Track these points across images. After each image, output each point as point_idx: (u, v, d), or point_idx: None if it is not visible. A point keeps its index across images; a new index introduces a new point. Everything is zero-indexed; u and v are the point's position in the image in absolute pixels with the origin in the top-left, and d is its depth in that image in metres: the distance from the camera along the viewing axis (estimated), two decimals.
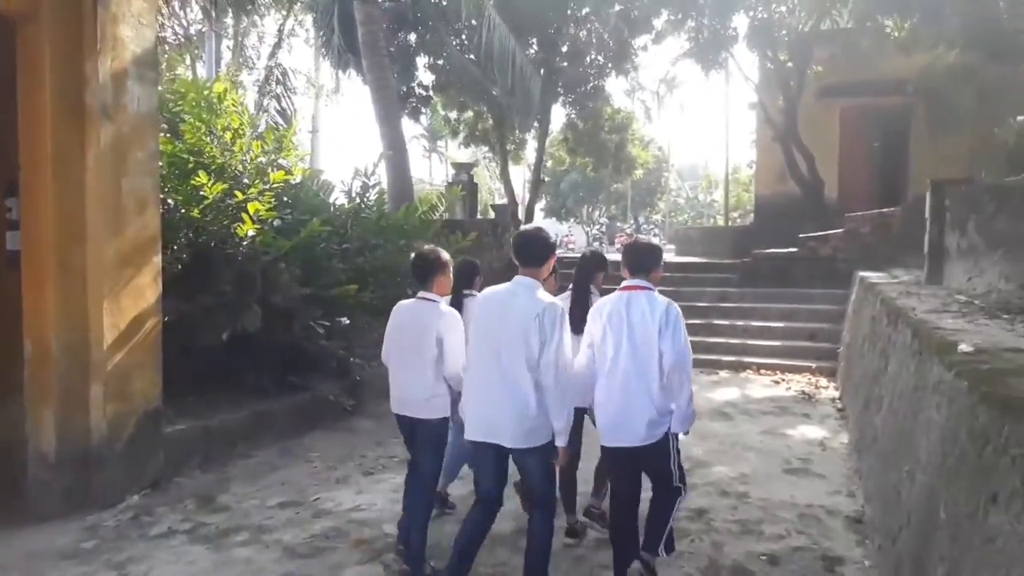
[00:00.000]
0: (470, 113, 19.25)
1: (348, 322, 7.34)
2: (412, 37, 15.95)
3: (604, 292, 4.02)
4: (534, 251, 3.47)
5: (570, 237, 29.98)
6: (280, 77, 13.56)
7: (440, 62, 15.76)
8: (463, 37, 15.35)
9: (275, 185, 6.79)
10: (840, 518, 4.65)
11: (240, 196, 6.40)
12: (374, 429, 6.88)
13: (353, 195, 7.84)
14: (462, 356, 3.66)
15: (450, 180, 16.86)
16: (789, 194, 16.63)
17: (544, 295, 3.38)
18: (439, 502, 4.39)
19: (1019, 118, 11.26)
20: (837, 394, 8.33)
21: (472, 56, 15.08)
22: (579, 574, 3.94)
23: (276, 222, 6.84)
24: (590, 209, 42.78)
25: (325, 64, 17.90)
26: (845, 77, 16.09)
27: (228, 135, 6.81)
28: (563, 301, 3.83)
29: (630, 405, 3.48)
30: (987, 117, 15.13)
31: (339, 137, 73.45)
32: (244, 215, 6.17)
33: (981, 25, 11.29)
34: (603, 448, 3.67)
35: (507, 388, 3.29)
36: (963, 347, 3.50)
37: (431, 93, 16.84)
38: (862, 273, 9.56)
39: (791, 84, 15.22)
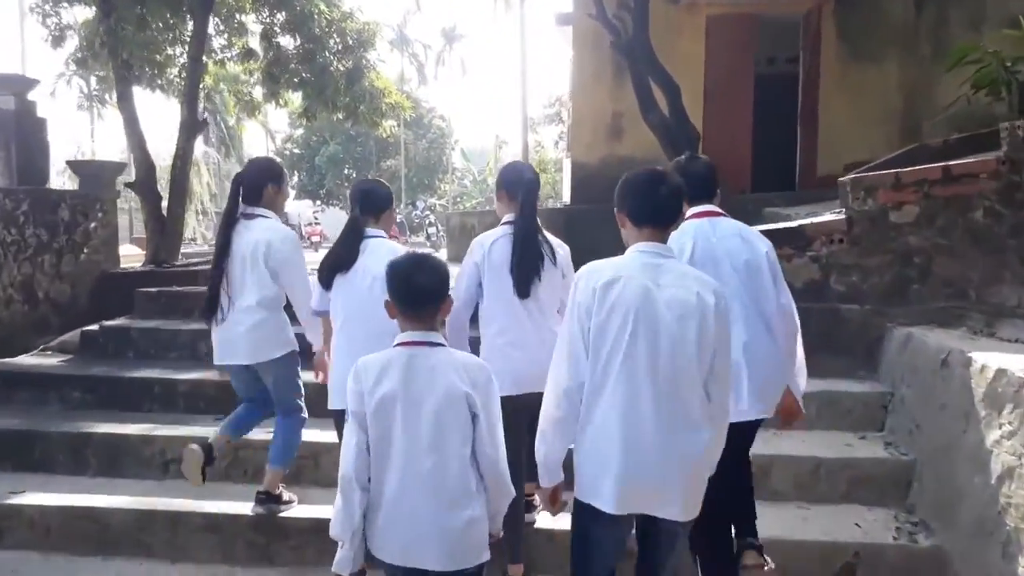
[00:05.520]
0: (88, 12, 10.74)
1: None
2: None
3: None
4: (669, 199, 2.30)
5: (315, 228, 21.40)
6: None
7: None
8: None
9: None
10: None
11: None
12: None
13: None
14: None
15: None
16: (628, 159, 9.69)
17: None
18: None
19: None
20: None
21: None
22: None
23: None
24: None
25: None
26: None
27: None
28: None
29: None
30: (931, 33, 9.73)
31: None
32: None
33: None
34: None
35: (674, 429, 2.13)
36: None
37: None
38: (976, 355, 3.05)
39: None
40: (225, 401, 4.40)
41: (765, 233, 4.57)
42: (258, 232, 3.43)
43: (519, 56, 20.57)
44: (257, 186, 3.51)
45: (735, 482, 2.69)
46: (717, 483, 2.28)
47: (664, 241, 2.29)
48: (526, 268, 3.04)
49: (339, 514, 2.21)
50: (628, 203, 2.31)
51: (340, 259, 3.19)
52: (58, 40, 11.19)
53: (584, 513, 2.21)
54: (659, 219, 2.27)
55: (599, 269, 2.24)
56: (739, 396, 2.57)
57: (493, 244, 3.13)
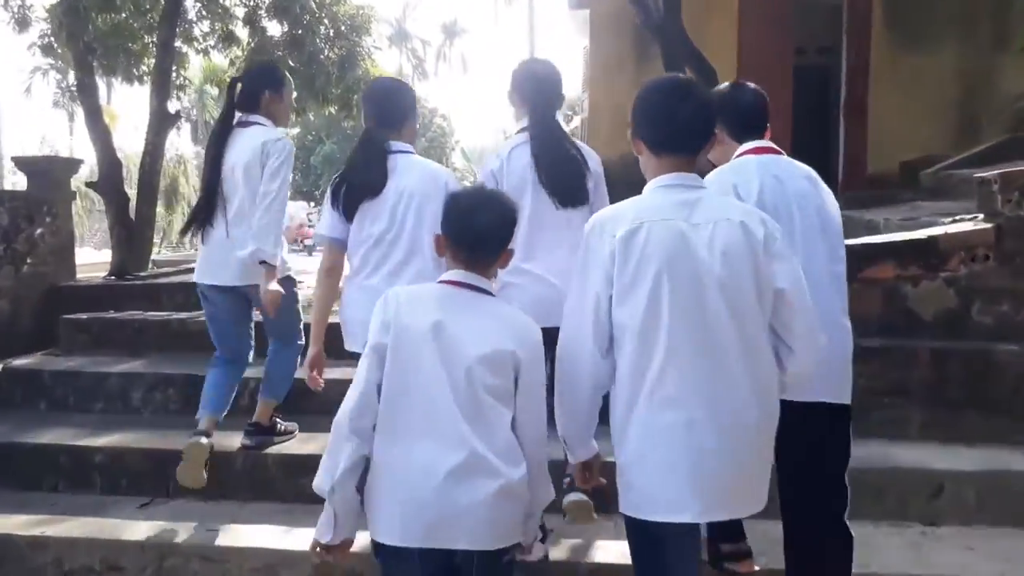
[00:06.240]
0: None
1: None
2: None
3: None
4: (695, 118, 1.86)
5: (307, 230, 20.34)
6: None
7: None
8: None
9: None
10: None
11: None
12: None
13: None
14: None
15: None
16: None
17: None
18: None
19: None
20: None
21: None
22: None
23: None
24: None
25: None
26: None
27: None
28: None
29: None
30: (993, 16, 8.79)
31: None
32: None
33: None
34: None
35: (749, 394, 1.75)
36: None
37: None
38: None
39: None
40: (155, 478, 3.26)
41: (868, 246, 3.51)
42: (251, 139, 3.14)
43: (524, 50, 19.55)
44: (253, 91, 3.27)
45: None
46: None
47: (691, 171, 1.87)
48: (563, 171, 2.65)
49: (322, 463, 1.89)
50: (643, 125, 1.89)
51: (366, 183, 2.64)
52: (22, 23, 10.13)
53: (644, 533, 1.78)
54: (682, 145, 1.85)
55: (616, 215, 1.85)
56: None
57: (512, 151, 2.74)
